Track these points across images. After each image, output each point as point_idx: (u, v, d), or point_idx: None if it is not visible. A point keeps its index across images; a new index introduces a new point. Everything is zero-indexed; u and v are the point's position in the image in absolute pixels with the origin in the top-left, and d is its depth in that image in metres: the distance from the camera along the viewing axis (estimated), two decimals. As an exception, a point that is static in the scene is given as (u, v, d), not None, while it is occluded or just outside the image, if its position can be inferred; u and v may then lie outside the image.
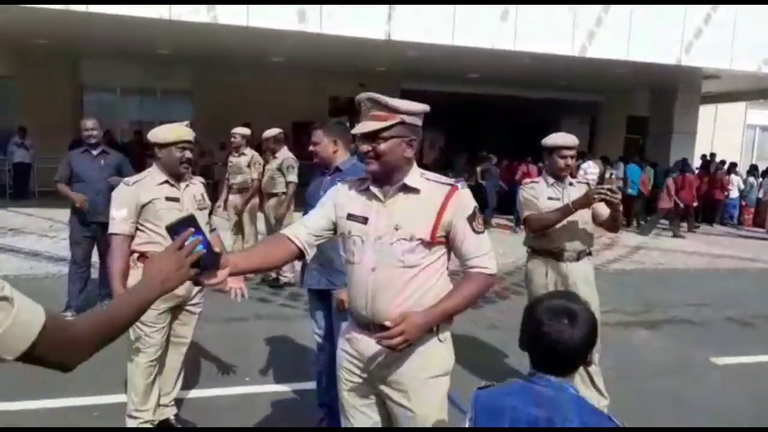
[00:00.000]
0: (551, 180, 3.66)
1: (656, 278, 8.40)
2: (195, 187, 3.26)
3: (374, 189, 2.04)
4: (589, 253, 3.73)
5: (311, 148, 3.29)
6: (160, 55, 12.89)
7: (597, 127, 18.44)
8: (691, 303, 6.81)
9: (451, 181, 2.07)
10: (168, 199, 3.09)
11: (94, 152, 5.22)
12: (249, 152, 6.89)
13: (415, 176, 2.03)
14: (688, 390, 4.32)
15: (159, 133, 3.13)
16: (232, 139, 6.88)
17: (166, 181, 3.12)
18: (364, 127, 2.00)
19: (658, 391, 4.24)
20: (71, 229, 5.40)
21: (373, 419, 2.17)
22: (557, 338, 1.45)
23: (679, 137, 14.74)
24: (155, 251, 3.06)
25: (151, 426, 3.20)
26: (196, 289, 3.23)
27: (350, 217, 2.06)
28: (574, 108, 17.55)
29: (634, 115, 17.30)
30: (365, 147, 2.00)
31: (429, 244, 1.99)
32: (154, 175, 3.13)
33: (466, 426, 1.51)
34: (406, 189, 2.02)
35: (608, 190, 3.38)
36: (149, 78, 14.97)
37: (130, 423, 3.18)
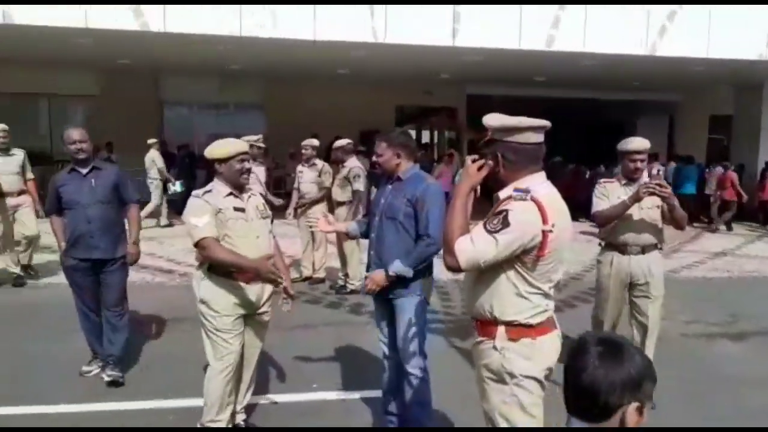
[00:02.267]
0: (624, 181, 4.01)
1: (744, 287, 7.86)
2: (256, 198, 3.34)
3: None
4: (658, 248, 4.03)
5: (374, 158, 3.34)
6: (233, 71, 13.39)
7: (676, 128, 17.59)
8: (783, 313, 6.34)
9: (519, 194, 2.14)
10: (236, 209, 3.17)
11: (83, 171, 4.09)
12: (319, 163, 7.02)
13: (507, 190, 2.19)
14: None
15: (216, 150, 3.21)
16: (303, 151, 7.03)
17: (231, 193, 3.20)
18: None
19: (749, 404, 3.97)
20: (64, 266, 4.23)
21: None
22: (580, 368, 1.29)
23: (768, 136, 13.81)
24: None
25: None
26: (265, 297, 3.29)
27: None
28: (650, 108, 16.82)
29: (716, 114, 16.39)
30: None
31: None
32: (218, 188, 3.20)
33: None
34: (498, 200, 2.22)
35: (656, 185, 3.71)
36: (223, 93, 15.60)
37: None
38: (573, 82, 14.10)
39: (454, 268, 2.12)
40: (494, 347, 2.21)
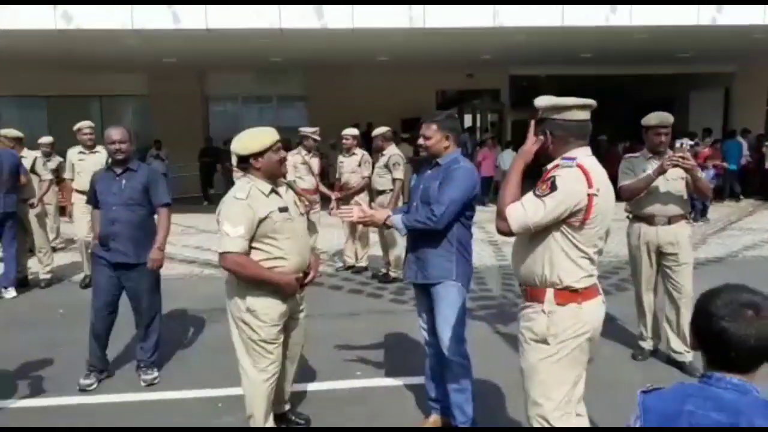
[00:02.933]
0: (649, 155, 4.14)
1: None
2: (290, 193, 3.19)
3: None
4: (684, 218, 4.16)
5: (421, 141, 3.21)
6: (274, 63, 13.54)
7: (732, 100, 16.80)
8: None
9: (566, 161, 2.32)
10: (281, 209, 2.96)
11: (118, 170, 4.05)
12: (359, 152, 7.02)
13: (555, 161, 2.35)
14: None
15: (252, 143, 2.95)
16: (344, 141, 7.04)
17: (273, 190, 2.99)
18: None
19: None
20: (92, 258, 4.27)
21: None
22: (740, 333, 1.32)
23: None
24: (278, 266, 2.96)
25: None
26: (303, 295, 3.25)
27: None
28: (704, 81, 16.10)
29: (776, 84, 15.58)
30: None
31: None
32: (259, 186, 2.95)
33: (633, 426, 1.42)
34: (547, 170, 2.38)
35: (679, 157, 3.85)
36: (266, 86, 15.81)
37: None
38: (621, 57, 13.63)
39: (506, 232, 2.30)
40: (542, 311, 2.34)
